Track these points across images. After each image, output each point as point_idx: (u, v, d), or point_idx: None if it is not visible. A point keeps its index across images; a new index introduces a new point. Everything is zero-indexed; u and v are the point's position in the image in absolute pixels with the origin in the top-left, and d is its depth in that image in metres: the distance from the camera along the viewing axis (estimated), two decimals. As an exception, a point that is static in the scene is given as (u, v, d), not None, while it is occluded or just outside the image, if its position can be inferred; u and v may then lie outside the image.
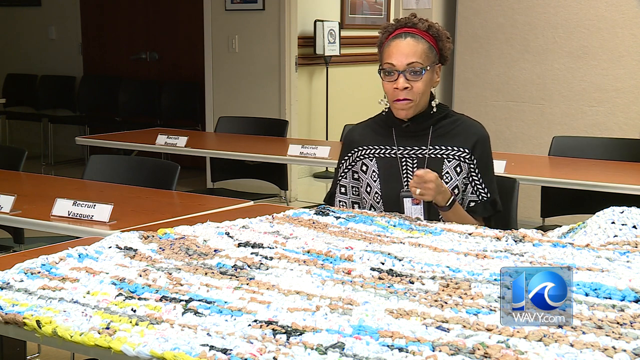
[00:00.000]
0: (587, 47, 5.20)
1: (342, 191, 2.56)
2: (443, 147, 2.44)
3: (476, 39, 5.54)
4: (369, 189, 2.50)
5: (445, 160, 2.42)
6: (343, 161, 2.57)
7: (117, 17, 8.29)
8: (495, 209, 2.47)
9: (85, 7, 8.48)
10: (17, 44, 8.87)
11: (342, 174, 2.56)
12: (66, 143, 8.03)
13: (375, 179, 2.49)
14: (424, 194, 2.29)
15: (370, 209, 2.49)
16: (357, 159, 2.53)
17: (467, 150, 2.43)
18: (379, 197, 2.47)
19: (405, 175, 2.46)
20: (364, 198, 2.52)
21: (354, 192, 2.55)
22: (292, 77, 6.70)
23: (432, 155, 2.41)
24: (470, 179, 2.43)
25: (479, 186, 2.43)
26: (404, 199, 2.43)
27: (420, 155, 2.46)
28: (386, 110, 2.51)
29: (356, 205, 2.54)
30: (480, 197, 2.43)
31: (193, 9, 7.34)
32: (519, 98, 5.50)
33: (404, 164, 2.47)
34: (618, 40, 5.10)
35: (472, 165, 2.43)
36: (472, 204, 2.42)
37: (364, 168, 2.52)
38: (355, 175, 2.54)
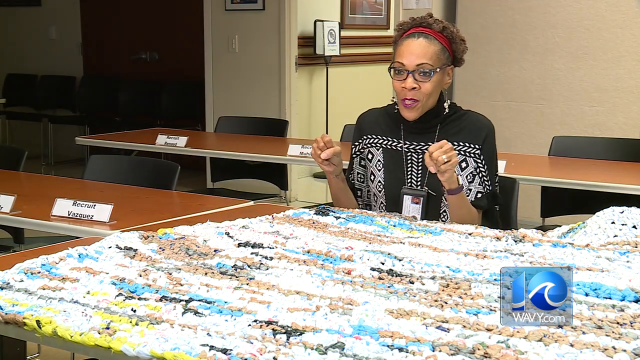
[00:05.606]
0: (587, 47, 5.20)
1: (350, 173, 2.59)
2: (450, 143, 2.43)
3: (476, 39, 5.53)
4: (372, 177, 2.53)
5: None
6: (356, 144, 2.60)
7: (117, 17, 8.29)
8: (497, 202, 2.47)
9: (85, 7, 8.48)
10: (17, 44, 8.86)
11: (354, 156, 2.59)
12: (66, 143, 8.02)
13: (379, 168, 2.51)
14: (451, 158, 2.18)
15: (372, 197, 2.52)
16: (365, 146, 2.56)
17: (474, 146, 2.43)
18: (381, 187, 2.49)
19: (409, 169, 2.47)
20: (368, 185, 2.55)
21: (360, 179, 2.58)
22: (292, 77, 6.69)
23: None
24: (478, 170, 2.43)
25: (485, 178, 2.43)
26: (404, 196, 2.44)
27: (425, 151, 2.46)
28: (397, 108, 2.49)
29: (359, 192, 2.57)
30: (486, 189, 2.43)
31: (193, 9, 7.33)
32: (519, 98, 5.50)
33: (408, 158, 2.48)
34: (618, 40, 5.10)
35: (479, 159, 2.43)
36: (480, 195, 2.42)
37: (370, 156, 2.55)
38: (362, 162, 2.57)
